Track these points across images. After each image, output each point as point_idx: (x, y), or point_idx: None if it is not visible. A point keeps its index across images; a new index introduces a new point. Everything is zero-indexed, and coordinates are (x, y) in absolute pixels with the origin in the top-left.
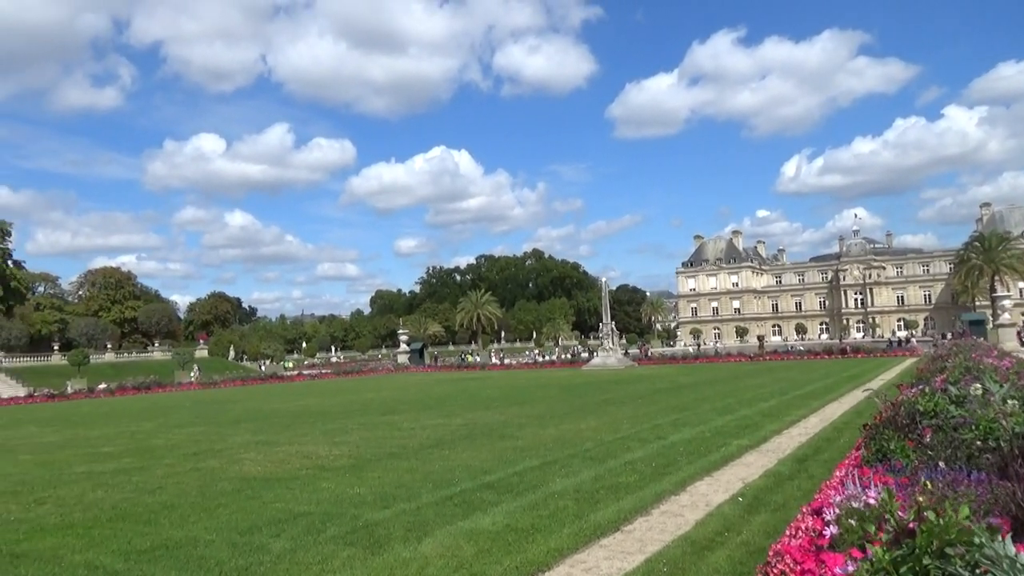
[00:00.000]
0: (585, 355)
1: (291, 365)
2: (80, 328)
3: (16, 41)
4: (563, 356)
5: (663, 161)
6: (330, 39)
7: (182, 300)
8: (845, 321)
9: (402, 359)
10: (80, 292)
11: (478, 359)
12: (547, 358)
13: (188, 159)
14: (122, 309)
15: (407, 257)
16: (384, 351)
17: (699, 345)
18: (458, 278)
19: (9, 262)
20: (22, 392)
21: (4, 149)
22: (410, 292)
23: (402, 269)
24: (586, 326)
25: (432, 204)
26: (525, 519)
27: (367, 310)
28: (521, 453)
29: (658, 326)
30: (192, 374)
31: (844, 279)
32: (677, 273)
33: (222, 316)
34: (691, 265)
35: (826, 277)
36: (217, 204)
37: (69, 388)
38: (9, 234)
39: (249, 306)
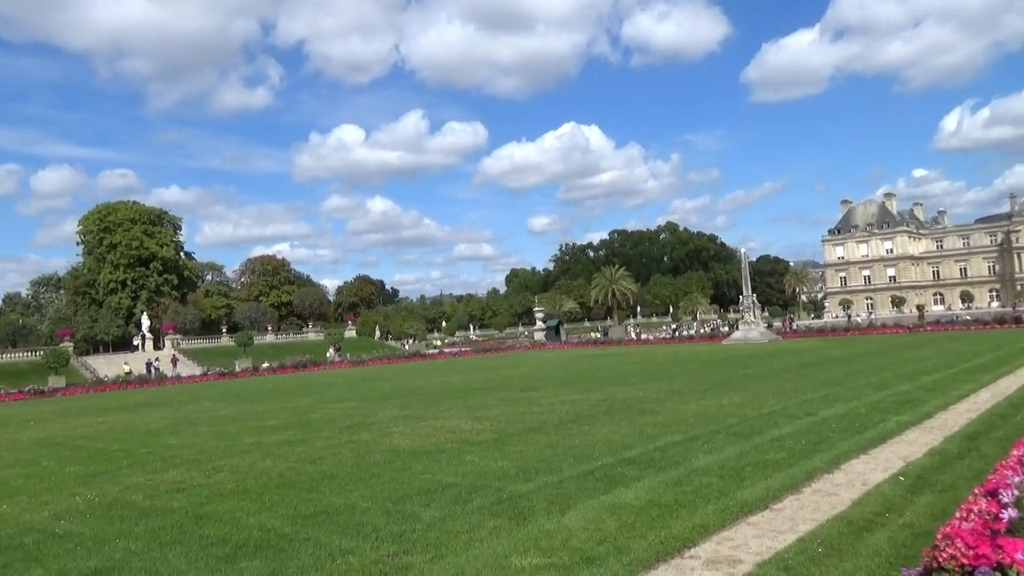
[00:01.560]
0: (725, 329)
1: (439, 343)
2: (244, 312)
3: (179, 51)
4: (701, 330)
5: (805, 124)
6: (459, 23)
7: (331, 284)
8: (1020, 287)
9: (538, 336)
10: (242, 279)
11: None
12: (685, 333)
13: (331, 150)
14: (279, 294)
15: (540, 235)
16: (520, 329)
17: (849, 316)
18: (591, 254)
19: (182, 254)
20: (198, 371)
21: (173, 151)
22: (544, 270)
23: (535, 247)
24: (725, 299)
25: (563, 181)
26: (668, 494)
27: (503, 289)
28: (661, 428)
29: (803, 297)
30: (329, 354)
31: (1017, 241)
32: (823, 241)
33: (367, 298)
34: (839, 232)
35: (995, 240)
36: (359, 191)
37: (237, 367)
38: (180, 228)
39: (392, 288)
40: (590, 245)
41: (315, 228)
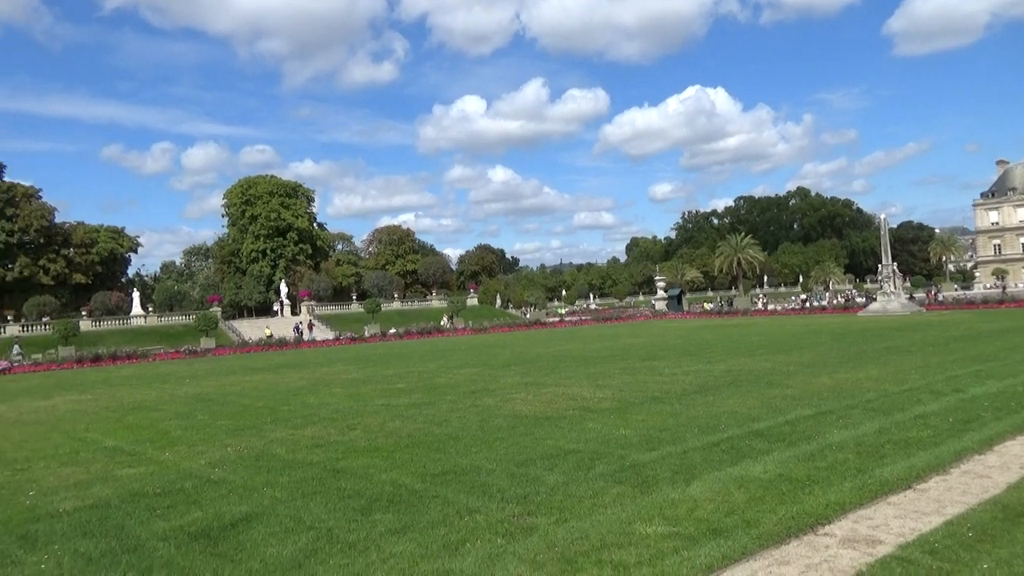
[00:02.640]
0: (861, 300)
1: (563, 311)
2: (372, 280)
3: (312, 30)
4: (835, 301)
5: (956, 78)
6: None
7: (453, 253)
8: None
9: (659, 306)
10: (370, 248)
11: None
12: (816, 303)
13: (454, 121)
14: (404, 263)
15: (662, 203)
16: (641, 298)
17: (1004, 287)
18: (715, 222)
19: (315, 225)
20: (331, 335)
21: (306, 126)
22: (665, 238)
23: (657, 215)
24: (860, 269)
25: (687, 147)
26: (800, 469)
27: (623, 258)
28: (792, 401)
29: (950, 267)
30: (443, 322)
31: None
32: (975, 206)
33: (488, 267)
34: (993, 196)
35: None
36: (481, 162)
37: (366, 332)
38: (313, 200)
39: (512, 256)
40: (714, 212)
41: (438, 198)
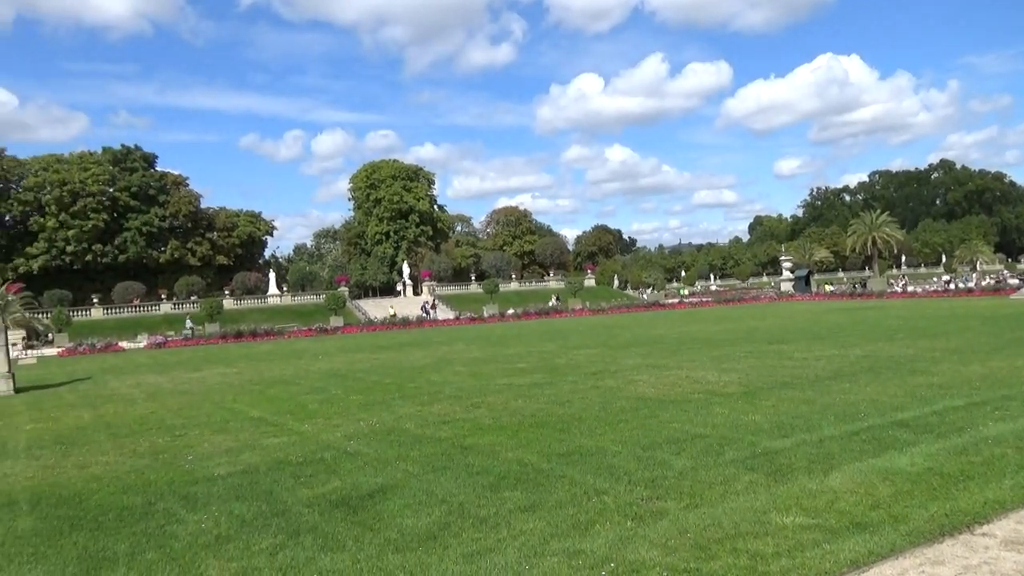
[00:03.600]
0: (1014, 281)
1: (686, 292)
2: (490, 261)
3: (432, 15)
4: (983, 283)
5: None
6: None
7: (570, 233)
8: None
9: (785, 287)
10: (488, 229)
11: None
12: (961, 285)
13: (571, 100)
14: (522, 243)
15: (788, 179)
16: (765, 279)
17: None
18: (847, 198)
19: (435, 207)
20: (451, 315)
21: (426, 111)
22: (791, 216)
23: (782, 192)
24: (1013, 248)
25: (816, 119)
26: (951, 464)
27: (745, 237)
28: (939, 391)
29: None
30: (552, 302)
31: None
32: None
33: (605, 247)
34: None
35: None
36: (598, 140)
37: (485, 312)
38: (434, 183)
39: (629, 237)
40: (846, 188)
41: (555, 179)
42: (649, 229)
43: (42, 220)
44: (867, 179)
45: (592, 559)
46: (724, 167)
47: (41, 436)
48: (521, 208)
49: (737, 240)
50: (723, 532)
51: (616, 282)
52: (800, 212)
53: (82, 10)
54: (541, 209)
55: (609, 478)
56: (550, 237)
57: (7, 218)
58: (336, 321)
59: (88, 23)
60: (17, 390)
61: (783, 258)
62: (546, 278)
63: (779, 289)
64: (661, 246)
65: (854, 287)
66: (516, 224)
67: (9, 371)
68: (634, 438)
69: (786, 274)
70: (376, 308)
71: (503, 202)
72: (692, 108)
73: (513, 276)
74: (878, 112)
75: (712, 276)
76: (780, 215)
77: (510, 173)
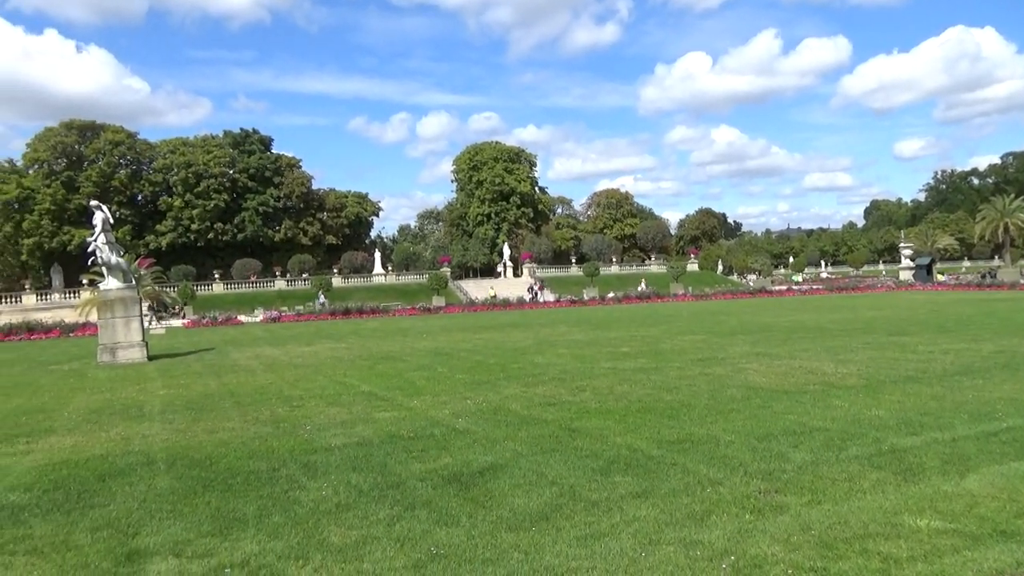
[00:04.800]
0: None
1: (800, 279)
2: (590, 244)
3: None
4: None
5: None
6: None
7: (673, 217)
8: None
9: (904, 275)
10: (588, 212)
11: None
12: None
13: (677, 80)
14: (622, 226)
15: (909, 161)
16: (881, 267)
17: None
18: (975, 182)
19: (536, 189)
20: (551, 298)
21: (529, 93)
22: (912, 201)
23: (902, 175)
24: None
25: (943, 97)
26: None
27: (860, 222)
28: None
29: None
30: (640, 288)
31: None
32: None
33: (709, 231)
34: None
35: None
36: (704, 121)
37: (585, 295)
38: (535, 165)
39: (734, 221)
40: (974, 172)
41: (658, 161)
42: (756, 213)
43: (170, 200)
44: (999, 161)
45: (710, 551)
46: (839, 148)
47: (173, 401)
48: (623, 190)
49: (851, 225)
50: (850, 531)
51: (720, 267)
52: (922, 196)
53: (207, 1)
54: (643, 192)
55: (723, 468)
56: (652, 220)
57: (139, 198)
58: (438, 301)
59: (213, 13)
60: (150, 358)
61: (902, 245)
62: (647, 262)
63: (897, 278)
64: (768, 231)
65: (982, 277)
66: (617, 207)
67: (143, 340)
68: (747, 428)
69: (905, 262)
70: (477, 289)
71: (604, 184)
72: (806, 86)
73: (613, 259)
74: (1014, 89)
75: (823, 263)
76: (899, 199)
77: (612, 155)
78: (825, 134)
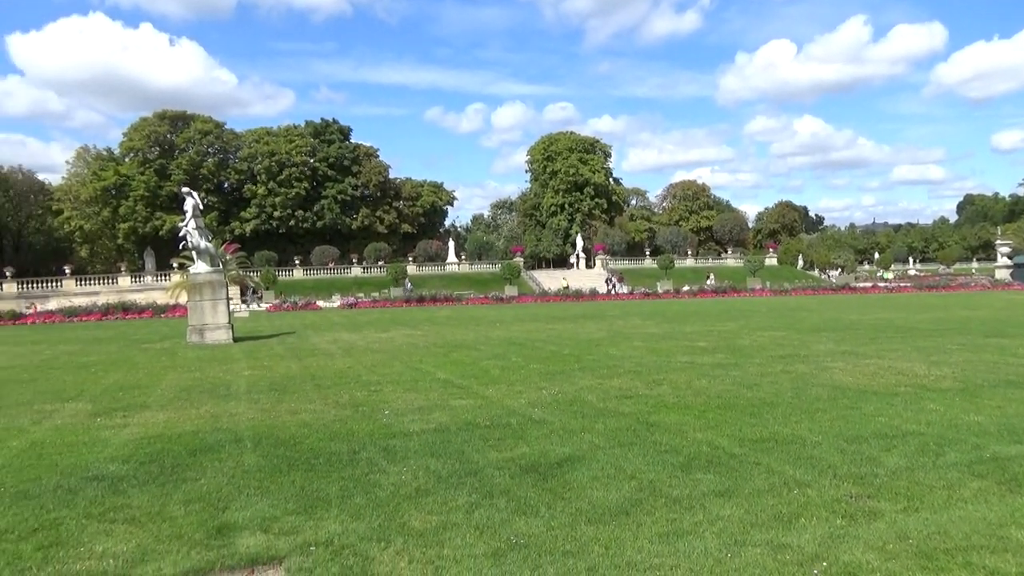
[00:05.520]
0: None
1: (890, 276)
2: (665, 236)
3: None
4: None
5: None
6: None
7: (751, 209)
8: None
9: (1000, 274)
10: (663, 204)
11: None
12: None
13: (758, 69)
14: (698, 219)
15: (1008, 154)
16: (975, 264)
17: None
18: None
19: (611, 180)
20: (624, 290)
21: (605, 82)
22: (1011, 196)
23: (1000, 169)
24: None
25: None
26: None
27: (952, 217)
28: None
29: None
30: (709, 282)
31: None
32: None
33: (789, 225)
34: None
35: None
36: (786, 111)
37: (659, 288)
38: (610, 155)
39: (816, 214)
40: None
41: (737, 152)
42: (839, 207)
43: (254, 188)
44: None
45: (800, 555)
46: (931, 140)
47: (257, 382)
48: (699, 182)
49: (943, 221)
50: (951, 543)
51: (800, 262)
52: (1022, 192)
53: None
54: (720, 184)
55: (810, 470)
56: (729, 213)
57: (225, 185)
58: (511, 290)
59: (297, 6)
60: (235, 339)
61: (999, 242)
62: (723, 255)
63: (992, 277)
64: (852, 225)
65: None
66: (693, 199)
67: (229, 322)
68: (835, 429)
69: (1002, 260)
70: (549, 279)
71: (680, 176)
72: (896, 75)
73: (689, 252)
74: None
75: (911, 259)
76: (996, 194)
77: (689, 146)
78: (916, 125)
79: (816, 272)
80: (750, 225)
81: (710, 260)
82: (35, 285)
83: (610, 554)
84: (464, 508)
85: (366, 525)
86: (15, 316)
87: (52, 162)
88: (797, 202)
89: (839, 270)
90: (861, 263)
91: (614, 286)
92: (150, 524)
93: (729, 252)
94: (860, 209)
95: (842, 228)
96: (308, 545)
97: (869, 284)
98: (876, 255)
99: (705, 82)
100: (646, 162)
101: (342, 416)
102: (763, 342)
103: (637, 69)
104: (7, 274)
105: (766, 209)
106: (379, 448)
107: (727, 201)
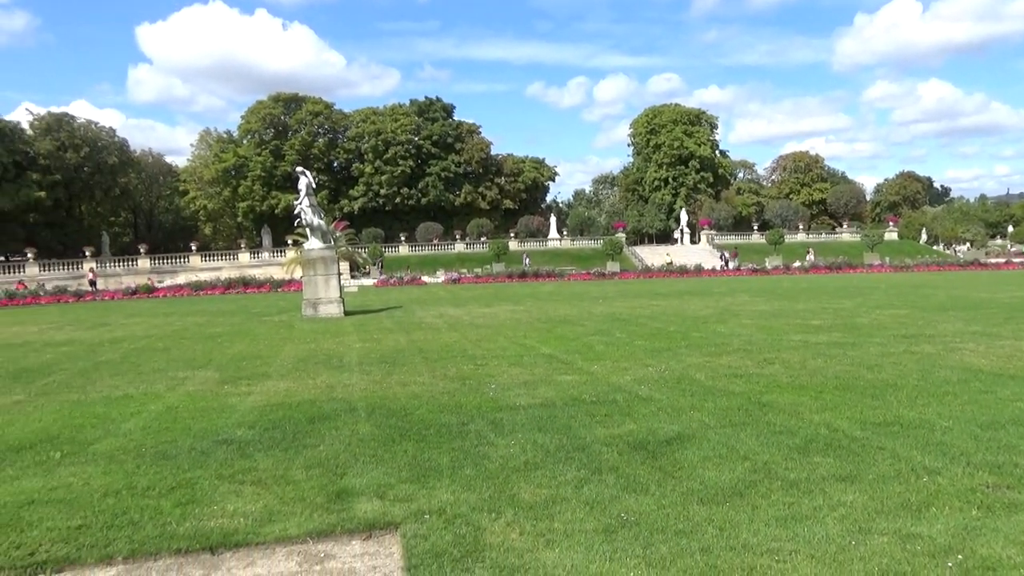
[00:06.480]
0: None
1: None
2: (774, 210)
3: None
4: None
5: None
6: None
7: (868, 181)
8: None
9: None
10: (773, 177)
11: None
12: None
13: (879, 31)
14: (810, 192)
15: None
16: None
17: None
18: None
19: (717, 152)
20: (733, 265)
21: (711, 51)
22: None
23: None
24: None
25: None
26: None
27: None
28: None
29: None
30: (808, 258)
31: None
32: None
33: (911, 197)
34: None
35: None
36: (910, 75)
37: (767, 264)
38: (716, 127)
39: (941, 186)
40: None
41: (854, 120)
42: (968, 177)
43: (361, 166)
44: None
45: (931, 546)
46: None
47: (368, 354)
48: (812, 153)
49: None
50: None
51: (924, 236)
52: None
53: None
54: (835, 154)
55: (940, 457)
56: (844, 185)
57: (335, 164)
58: (612, 266)
59: None
60: (346, 313)
61: None
62: (838, 229)
63: None
64: (983, 196)
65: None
66: (805, 170)
67: (340, 297)
68: (967, 414)
69: None
70: (652, 255)
71: (792, 147)
72: None
73: (800, 226)
74: None
75: None
76: None
77: (801, 115)
78: None
79: (941, 247)
80: (867, 198)
81: (823, 235)
82: (165, 261)
83: (724, 535)
84: (573, 483)
85: (477, 496)
86: (149, 290)
87: (178, 145)
88: (920, 172)
89: (967, 245)
90: (993, 237)
91: (727, 262)
92: (275, 486)
93: (844, 226)
94: (992, 179)
95: (971, 200)
96: (422, 513)
97: (1002, 260)
98: (1010, 228)
99: (820, 47)
100: (755, 133)
101: (450, 389)
102: (884, 321)
103: (746, 36)
104: (141, 250)
105: (885, 180)
106: (487, 421)
107: (842, 173)
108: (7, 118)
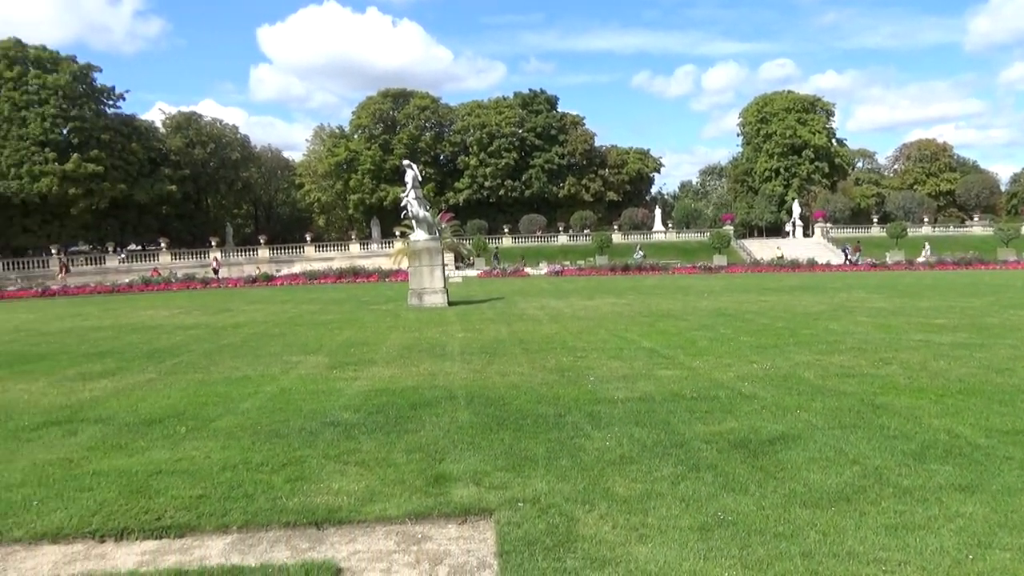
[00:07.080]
0: None
1: None
2: (896, 201)
3: None
4: None
5: None
6: None
7: (1004, 171)
8: None
9: None
10: (895, 166)
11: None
12: None
13: (1019, 6)
14: (937, 182)
15: None
16: None
17: None
18: None
19: (833, 141)
20: (853, 259)
21: (828, 35)
22: None
23: None
24: None
25: None
26: None
27: None
28: None
29: None
30: (924, 254)
31: None
32: None
33: None
34: None
35: None
36: None
37: (888, 259)
38: (833, 115)
39: None
40: None
41: (988, 105)
42: None
43: (467, 159)
44: None
45: None
46: None
47: (470, 344)
48: (939, 141)
49: None
50: None
51: None
52: None
53: None
54: (966, 142)
55: None
56: (976, 174)
57: (441, 158)
58: (719, 260)
59: None
60: (450, 303)
61: None
62: (968, 223)
63: None
64: None
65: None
66: (932, 159)
67: (444, 287)
68: None
69: None
70: (762, 249)
71: (917, 134)
72: None
73: (925, 219)
74: None
75: None
76: None
77: (928, 100)
78: None
79: None
80: (1003, 188)
81: (951, 228)
82: (282, 251)
83: (828, 541)
84: (669, 479)
85: (571, 487)
86: (268, 278)
87: (295, 141)
88: None
89: None
90: None
91: (848, 256)
92: (377, 468)
93: (975, 219)
94: None
95: None
96: (516, 501)
97: None
98: None
99: (950, 27)
100: (876, 120)
101: (548, 380)
102: (1017, 321)
103: (867, 18)
104: (261, 240)
105: (1023, 170)
106: (584, 413)
107: (974, 161)
108: (143, 117)
